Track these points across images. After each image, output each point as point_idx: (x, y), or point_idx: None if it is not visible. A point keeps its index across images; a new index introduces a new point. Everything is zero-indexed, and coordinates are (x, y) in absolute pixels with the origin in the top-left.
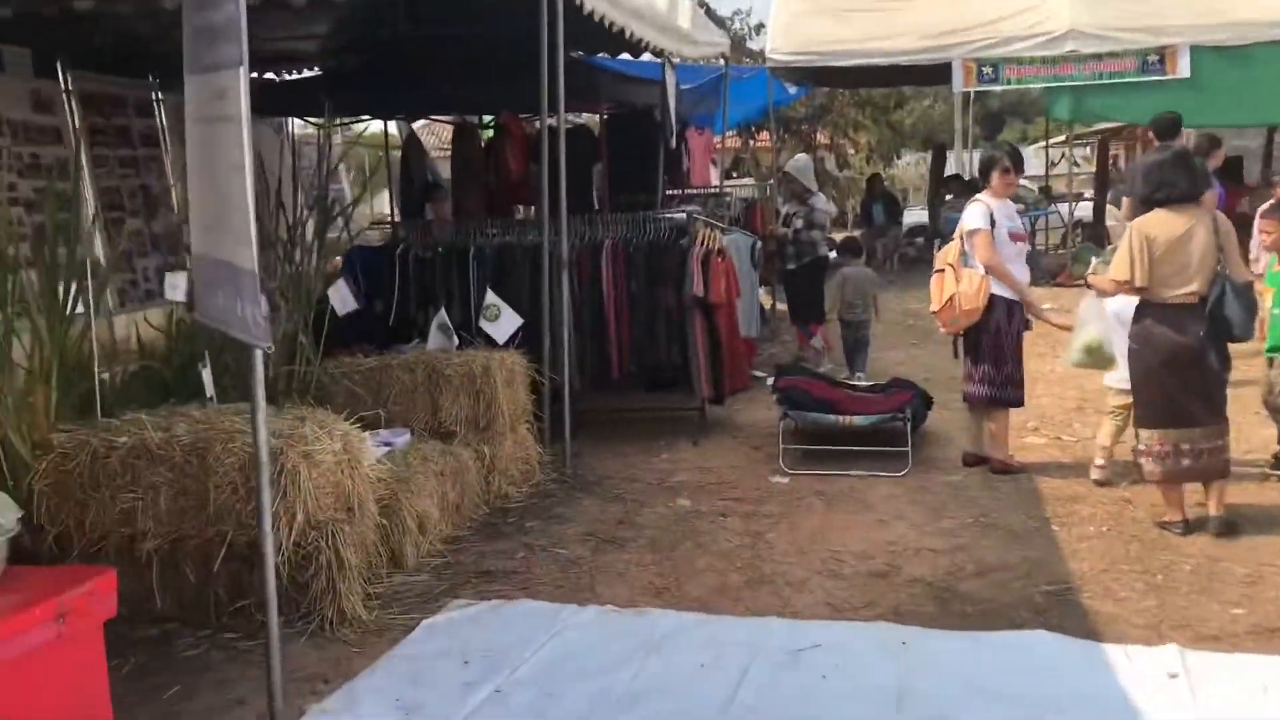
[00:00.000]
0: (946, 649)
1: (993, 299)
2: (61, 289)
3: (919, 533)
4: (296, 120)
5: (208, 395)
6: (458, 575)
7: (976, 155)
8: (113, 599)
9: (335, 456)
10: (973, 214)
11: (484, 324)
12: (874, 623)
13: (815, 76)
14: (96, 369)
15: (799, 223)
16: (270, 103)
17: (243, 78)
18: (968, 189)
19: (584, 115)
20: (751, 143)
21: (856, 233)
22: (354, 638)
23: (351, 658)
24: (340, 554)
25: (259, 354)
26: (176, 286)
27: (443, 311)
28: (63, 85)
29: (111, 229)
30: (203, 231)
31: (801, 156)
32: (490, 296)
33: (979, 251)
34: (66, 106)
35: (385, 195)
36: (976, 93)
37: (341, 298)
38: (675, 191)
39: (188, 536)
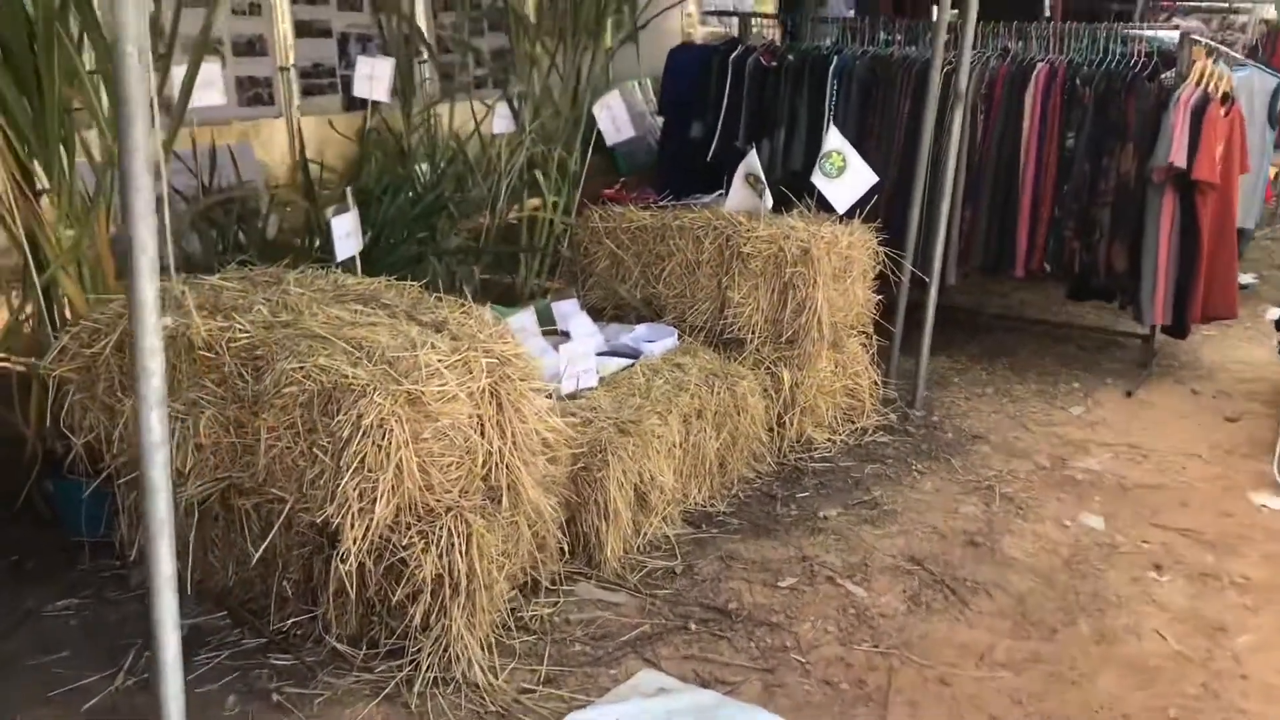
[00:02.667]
0: None
1: None
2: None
3: None
4: None
5: (335, 260)
6: (675, 604)
7: None
8: None
9: (472, 409)
10: None
11: (819, 179)
12: None
13: None
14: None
15: None
16: None
17: None
18: None
19: None
20: None
21: None
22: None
23: None
24: (459, 571)
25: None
26: None
27: (753, 154)
28: None
29: None
30: None
31: None
32: (834, 138)
33: None
34: None
35: None
36: None
37: (613, 119)
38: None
39: (242, 489)
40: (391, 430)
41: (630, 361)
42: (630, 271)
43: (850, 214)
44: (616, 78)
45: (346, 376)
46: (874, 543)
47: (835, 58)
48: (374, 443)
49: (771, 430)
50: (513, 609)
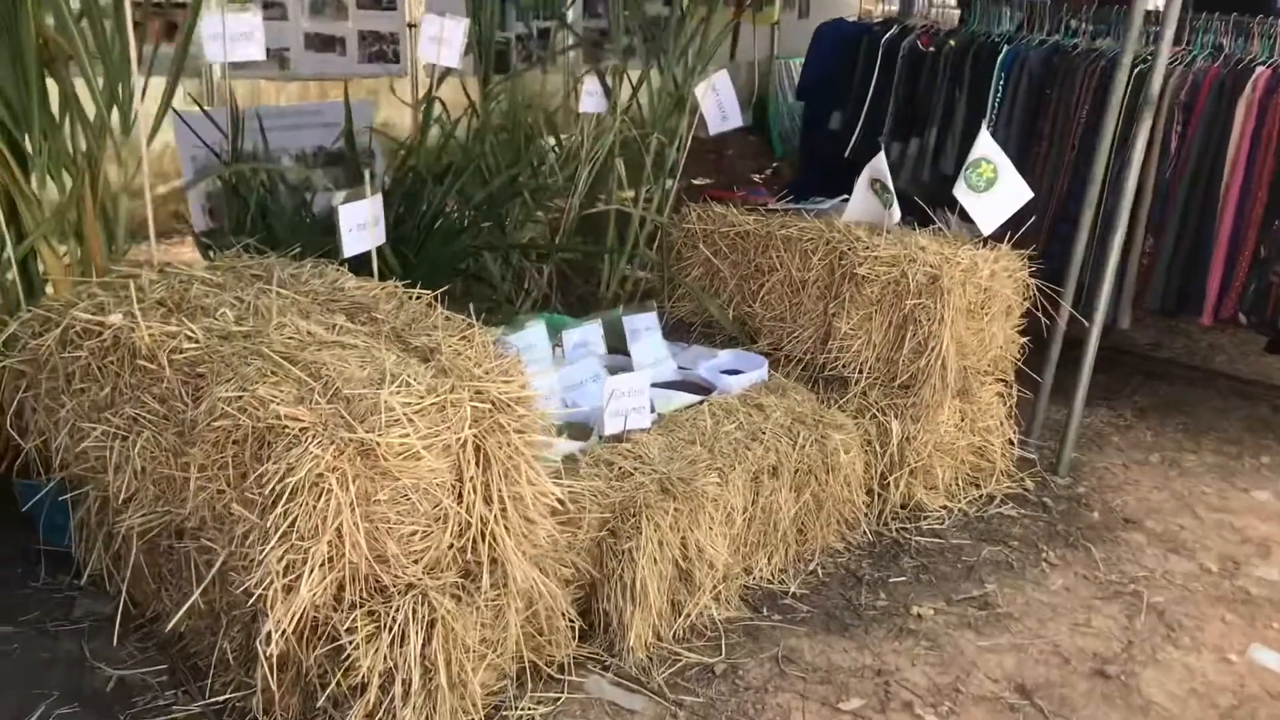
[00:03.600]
0: None
1: None
2: None
3: None
4: None
5: (340, 257)
6: (704, 718)
7: None
8: None
9: (447, 467)
10: None
11: (962, 191)
12: None
13: None
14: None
15: None
16: None
17: None
18: None
19: None
20: None
21: None
22: None
23: None
24: (410, 667)
25: None
26: None
27: (880, 157)
28: None
29: None
30: None
31: None
32: (984, 143)
33: None
34: None
35: None
36: None
37: (719, 103)
38: None
39: (181, 529)
40: (331, 490)
41: (699, 398)
42: (725, 284)
43: (999, 236)
44: (782, 54)
45: (279, 418)
46: (975, 657)
47: (1005, 46)
48: (308, 503)
49: (872, 493)
50: (498, 706)
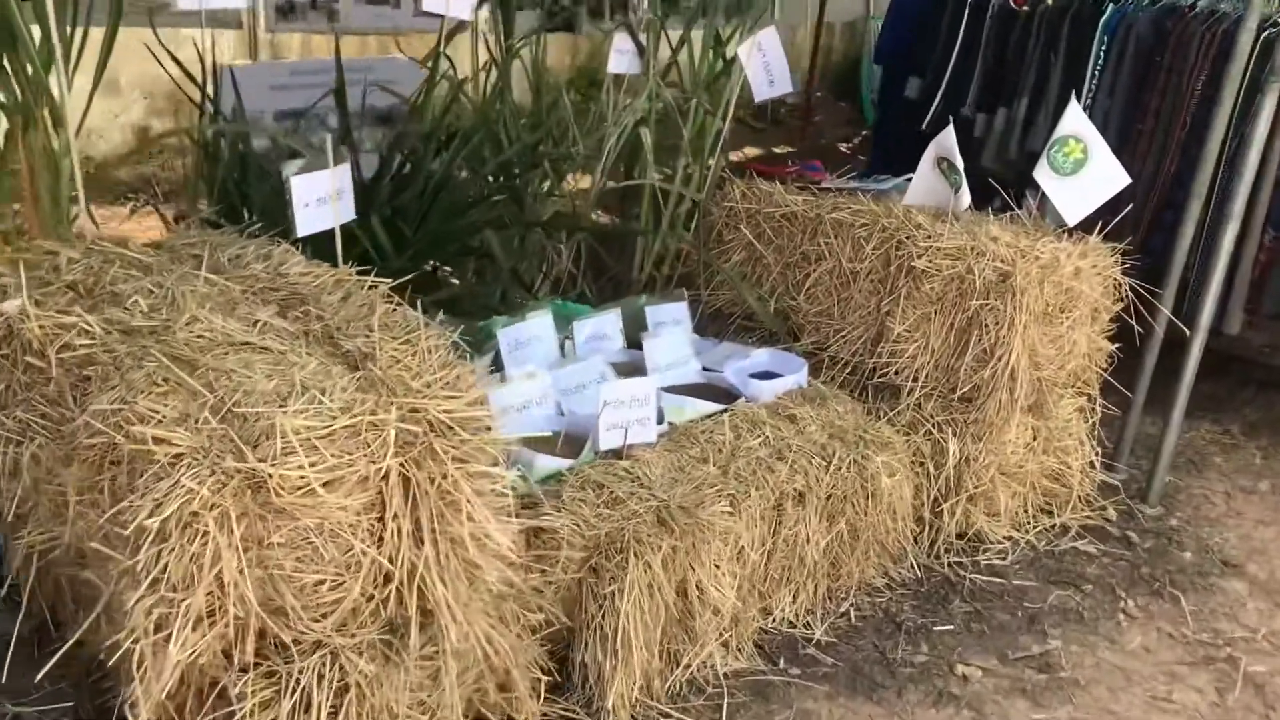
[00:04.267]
0: None
1: None
2: None
3: None
4: None
5: (295, 237)
6: None
7: None
8: None
9: (363, 504)
10: None
11: (1044, 174)
12: None
13: None
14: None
15: None
16: None
17: None
18: None
19: None
20: None
21: None
22: None
23: None
24: None
25: None
26: None
27: (948, 132)
28: None
29: None
30: None
31: None
32: (1073, 119)
33: None
34: None
35: None
36: None
37: (765, 65)
38: None
39: (67, 556)
40: (208, 532)
41: (721, 407)
42: (769, 272)
43: (1088, 226)
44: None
45: (145, 444)
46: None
47: (1110, 5)
48: (180, 546)
49: (923, 520)
50: None
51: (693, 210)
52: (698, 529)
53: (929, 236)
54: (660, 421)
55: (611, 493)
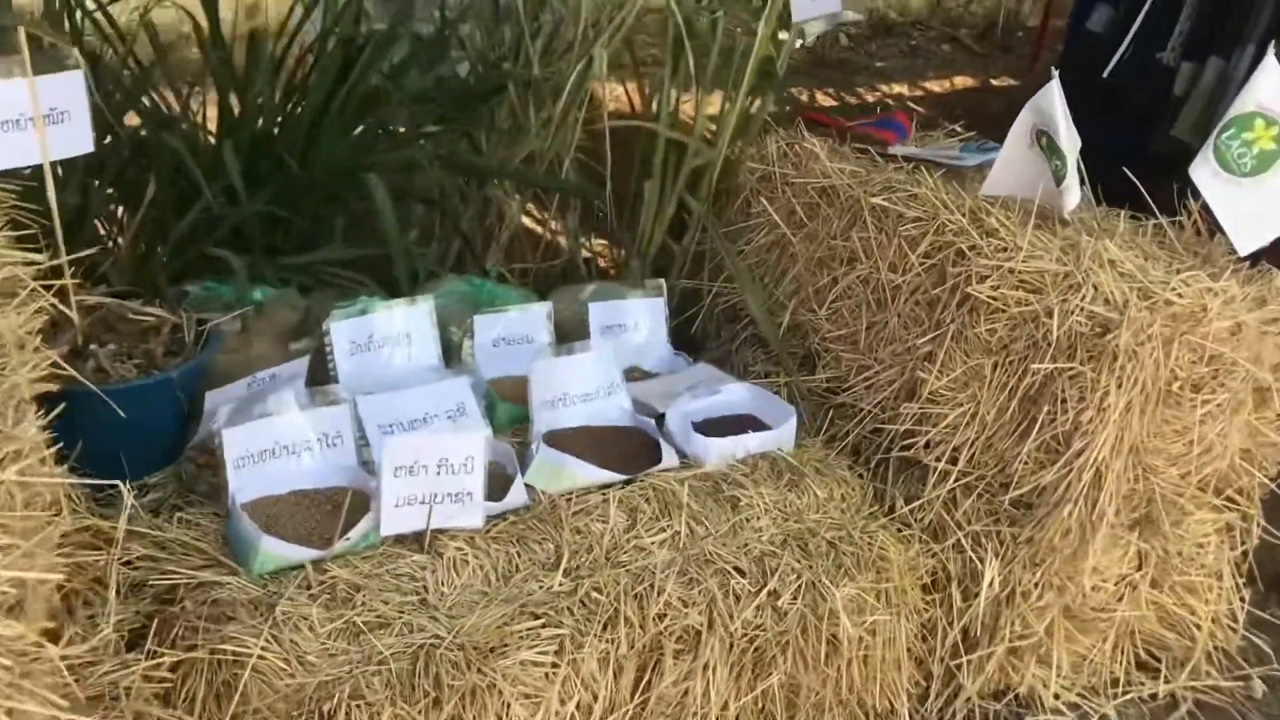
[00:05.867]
0: None
1: None
2: None
3: None
4: None
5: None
6: None
7: None
8: None
9: None
10: None
11: (1204, 173)
12: None
13: None
14: None
15: None
16: None
17: None
18: None
19: None
20: None
21: None
22: None
23: None
24: None
25: None
26: None
27: (1052, 86)
28: None
29: None
30: None
31: None
32: (1269, 82)
33: None
34: None
35: None
36: None
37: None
38: None
39: None
40: None
41: (619, 478)
42: (794, 266)
43: (1264, 256)
44: None
45: None
46: None
47: None
48: None
49: (933, 675)
50: None
51: (703, 170)
52: (482, 690)
53: (1002, 249)
54: (509, 490)
55: (352, 617)
